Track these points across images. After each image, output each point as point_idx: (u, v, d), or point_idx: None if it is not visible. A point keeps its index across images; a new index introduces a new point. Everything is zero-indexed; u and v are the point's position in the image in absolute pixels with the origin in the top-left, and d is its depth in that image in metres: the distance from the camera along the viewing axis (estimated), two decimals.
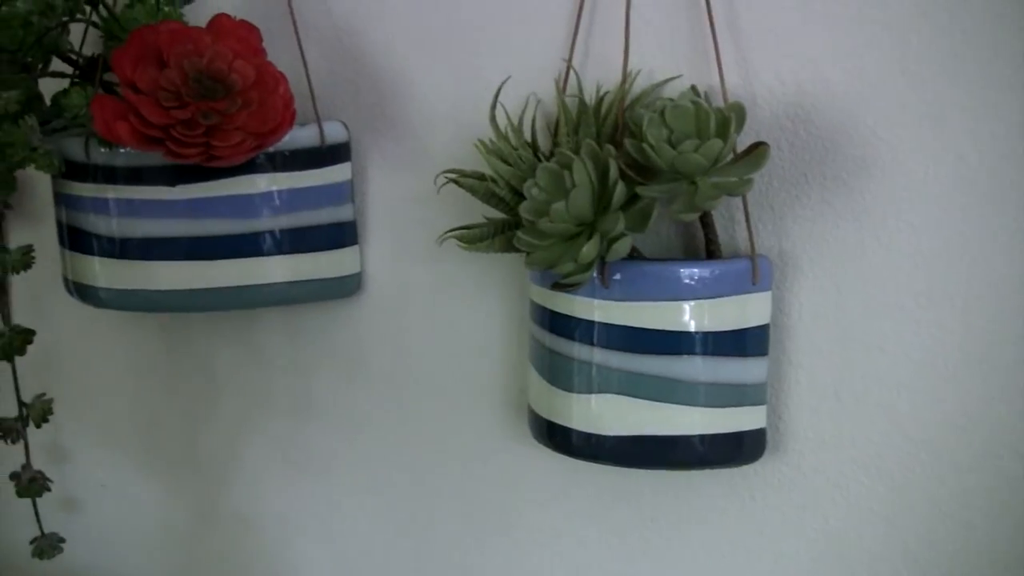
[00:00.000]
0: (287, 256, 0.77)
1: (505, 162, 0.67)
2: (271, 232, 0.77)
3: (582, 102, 0.66)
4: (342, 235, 0.79)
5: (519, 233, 0.64)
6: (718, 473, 0.71)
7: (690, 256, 0.69)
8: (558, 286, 0.64)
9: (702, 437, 0.66)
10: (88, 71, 0.79)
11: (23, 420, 0.74)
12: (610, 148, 0.62)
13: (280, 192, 0.76)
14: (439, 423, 0.79)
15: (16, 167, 0.72)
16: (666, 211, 0.64)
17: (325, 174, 0.77)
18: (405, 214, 0.78)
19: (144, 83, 0.71)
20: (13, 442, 0.74)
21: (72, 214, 0.79)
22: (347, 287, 0.80)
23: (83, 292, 0.81)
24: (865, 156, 0.64)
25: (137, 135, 0.71)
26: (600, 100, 0.66)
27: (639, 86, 0.67)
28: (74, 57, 0.80)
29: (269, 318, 0.85)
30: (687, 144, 0.60)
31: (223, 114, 0.71)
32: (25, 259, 0.74)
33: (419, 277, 0.78)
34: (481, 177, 0.68)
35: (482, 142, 0.68)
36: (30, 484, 0.74)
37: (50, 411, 0.75)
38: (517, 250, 0.68)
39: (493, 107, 0.69)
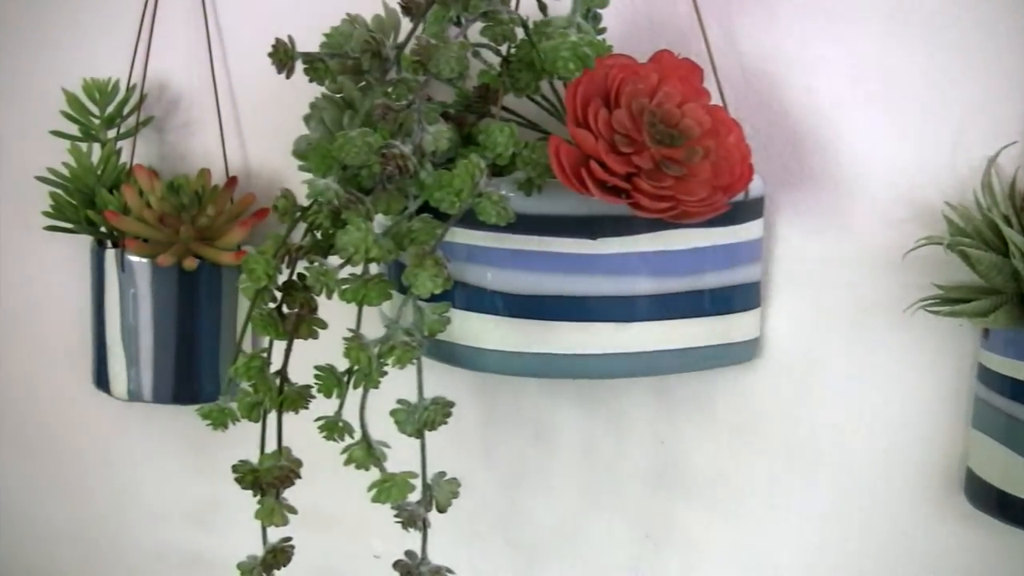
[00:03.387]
0: (688, 320, 0.70)
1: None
2: (679, 293, 0.69)
3: None
4: (746, 297, 0.72)
5: None
6: None
7: None
8: None
9: None
10: (477, 104, 0.70)
11: (426, 504, 0.64)
12: None
13: (697, 250, 0.69)
14: (843, 502, 0.73)
15: (456, 216, 0.62)
16: None
17: (740, 231, 0.70)
18: (820, 275, 0.71)
19: (598, 125, 0.63)
20: (418, 530, 0.63)
21: None
22: (743, 354, 0.73)
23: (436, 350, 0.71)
24: None
25: (599, 183, 0.63)
26: None
27: None
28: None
29: (630, 380, 0.77)
30: None
31: (683, 163, 0.64)
32: (442, 321, 0.64)
33: (833, 344, 0.72)
34: (1001, 250, 0.63)
35: (951, 206, 0.64)
36: None
37: (456, 493, 0.65)
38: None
39: (987, 172, 0.64)
